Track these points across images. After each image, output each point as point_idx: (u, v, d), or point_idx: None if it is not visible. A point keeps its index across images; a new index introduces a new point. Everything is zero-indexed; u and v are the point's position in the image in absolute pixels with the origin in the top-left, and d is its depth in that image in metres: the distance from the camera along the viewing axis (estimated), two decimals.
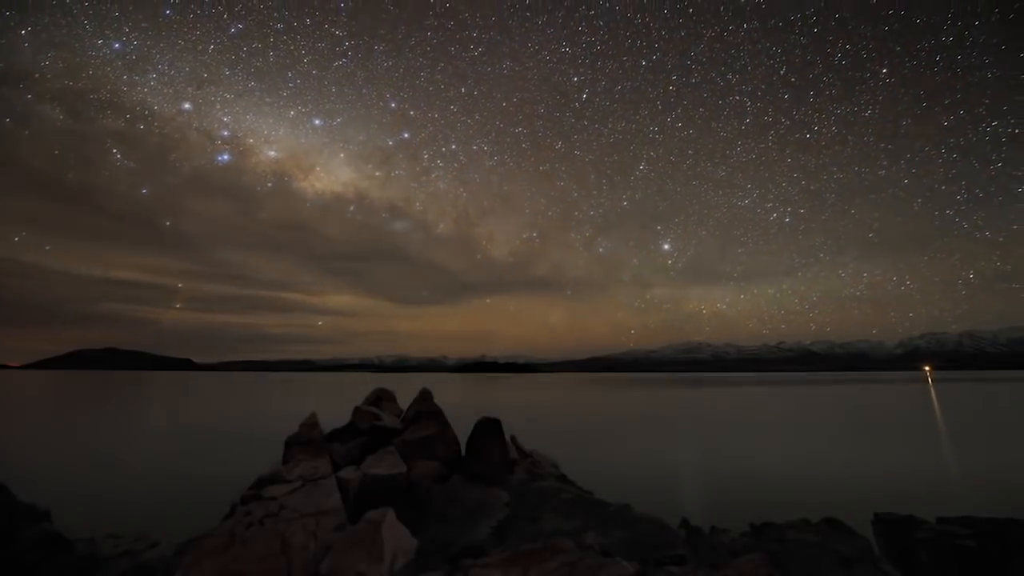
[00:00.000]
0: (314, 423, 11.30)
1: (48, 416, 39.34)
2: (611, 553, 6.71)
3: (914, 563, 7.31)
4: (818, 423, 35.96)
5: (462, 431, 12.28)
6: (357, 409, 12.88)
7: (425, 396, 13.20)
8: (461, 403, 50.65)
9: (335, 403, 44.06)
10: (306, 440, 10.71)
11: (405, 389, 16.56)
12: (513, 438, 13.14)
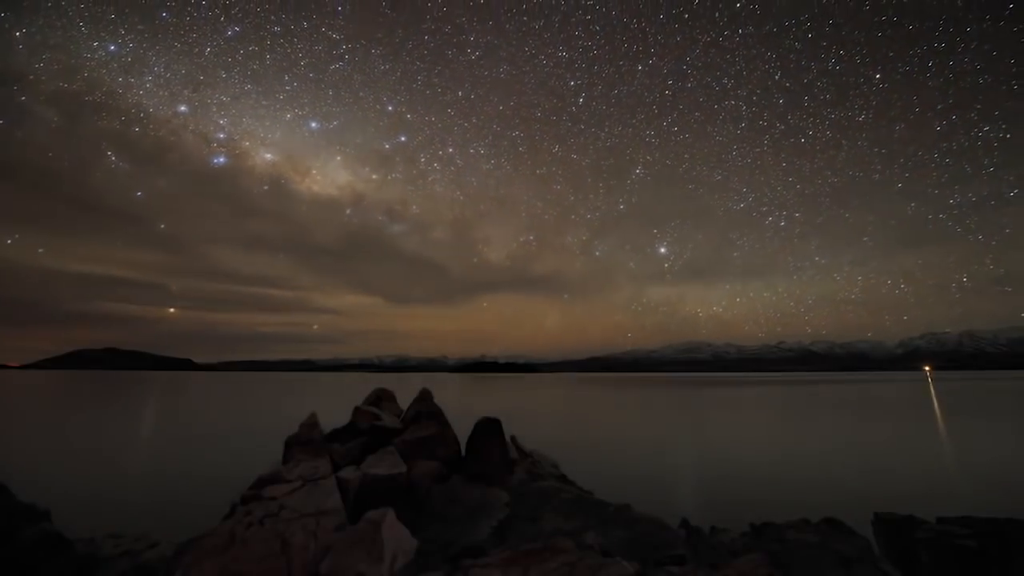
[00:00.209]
0: (314, 423, 11.30)
1: (48, 416, 39.33)
2: (611, 553, 6.71)
3: (914, 563, 7.31)
4: (818, 423, 35.96)
5: (462, 431, 12.28)
6: (357, 409, 12.88)
7: (425, 396, 13.21)
8: (461, 403, 50.65)
9: (335, 403, 44.06)
10: (306, 440, 10.70)
11: (405, 389, 16.56)
12: (513, 438, 13.14)
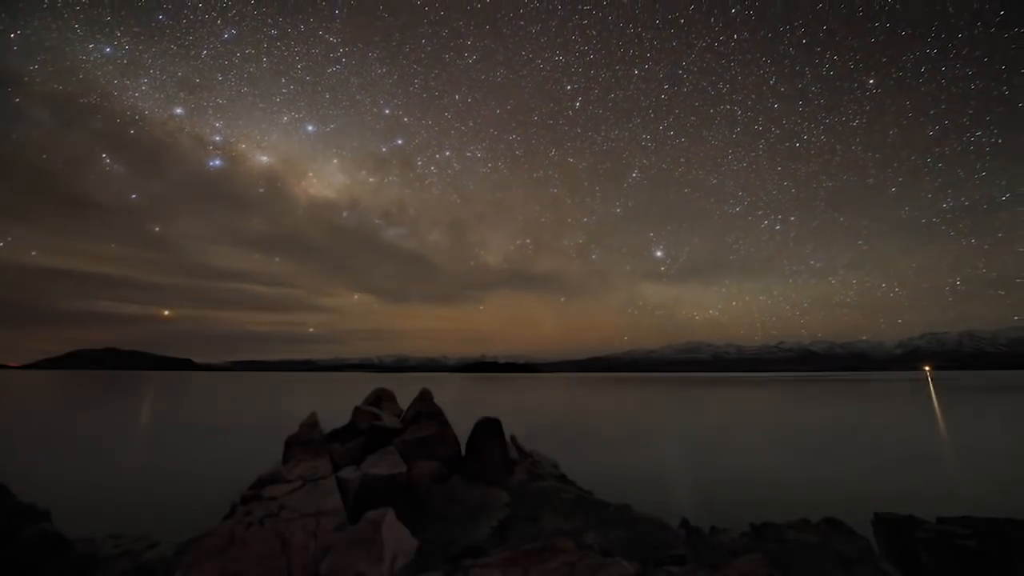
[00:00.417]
0: (314, 423, 11.30)
1: (48, 416, 39.32)
2: (611, 553, 6.71)
3: (914, 563, 7.31)
4: (818, 423, 35.95)
5: (462, 431, 12.28)
6: (357, 409, 12.88)
7: (425, 396, 13.20)
8: (461, 403, 50.62)
9: (335, 403, 44.04)
10: (306, 440, 10.70)
11: (405, 389, 16.55)
12: (513, 438, 13.14)
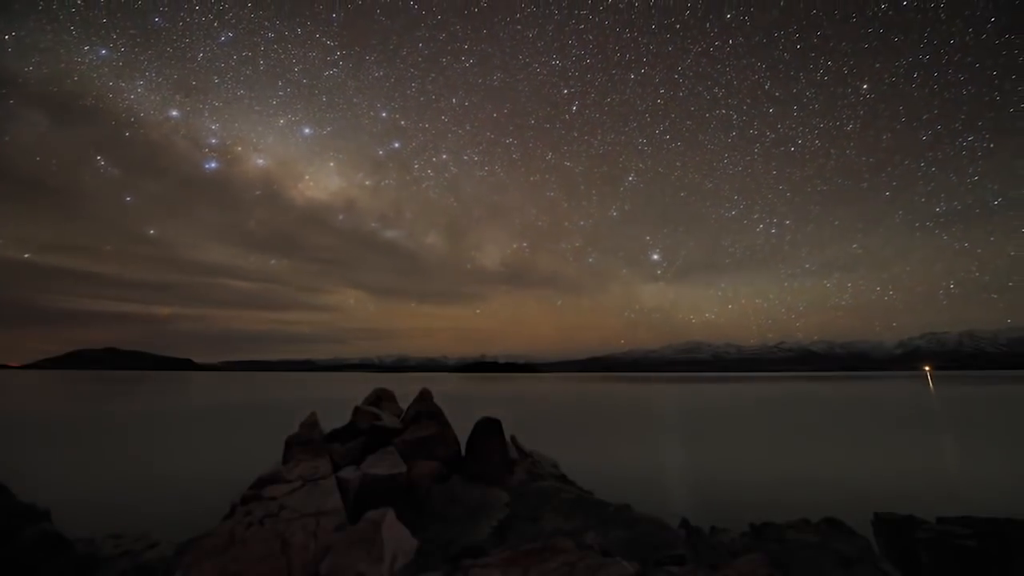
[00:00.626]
0: (314, 423, 11.31)
1: (48, 416, 39.32)
2: (611, 553, 6.71)
3: (914, 563, 7.31)
4: (818, 423, 35.94)
5: (462, 431, 12.28)
6: (357, 409, 12.88)
7: (425, 396, 13.21)
8: (461, 403, 50.64)
9: (335, 403, 44.04)
10: (306, 440, 10.71)
11: (405, 389, 16.55)
12: (513, 438, 13.14)
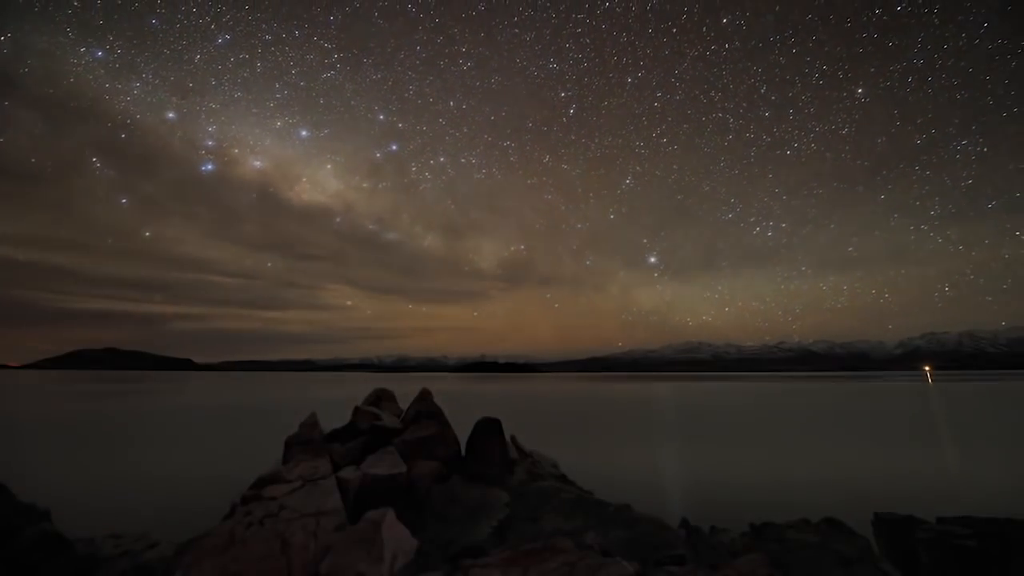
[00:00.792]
0: (314, 423, 11.31)
1: (48, 416, 39.31)
2: (611, 553, 6.71)
3: (914, 563, 7.31)
4: (818, 423, 35.95)
5: (462, 431, 12.27)
6: (357, 409, 12.88)
7: (425, 396, 13.21)
8: (461, 403, 50.64)
9: (335, 403, 44.04)
10: (306, 440, 10.71)
11: (405, 389, 16.54)
12: (513, 438, 13.14)
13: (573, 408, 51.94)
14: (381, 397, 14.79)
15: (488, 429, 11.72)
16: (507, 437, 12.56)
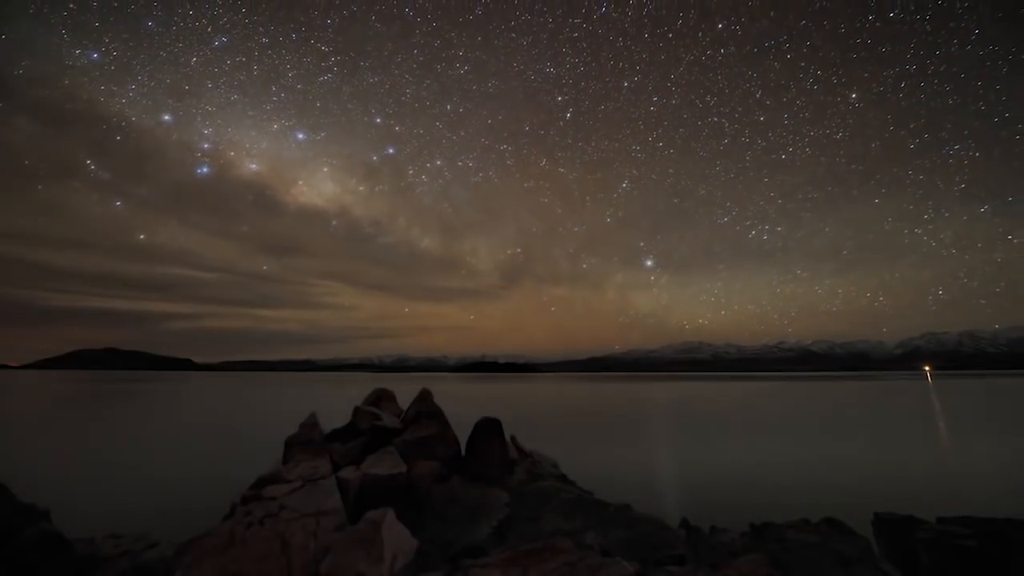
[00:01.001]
0: (314, 423, 11.30)
1: (48, 416, 39.32)
2: (611, 553, 6.71)
3: (914, 563, 7.31)
4: (818, 423, 35.96)
5: (462, 431, 12.27)
6: (357, 409, 12.88)
7: (425, 396, 13.20)
8: (461, 403, 50.65)
9: (335, 403, 44.03)
10: (306, 440, 10.70)
11: (405, 389, 16.54)
12: (513, 438, 13.14)
13: (573, 408, 51.95)
14: (381, 397, 14.78)
15: (488, 429, 11.71)
16: (507, 437, 12.55)
